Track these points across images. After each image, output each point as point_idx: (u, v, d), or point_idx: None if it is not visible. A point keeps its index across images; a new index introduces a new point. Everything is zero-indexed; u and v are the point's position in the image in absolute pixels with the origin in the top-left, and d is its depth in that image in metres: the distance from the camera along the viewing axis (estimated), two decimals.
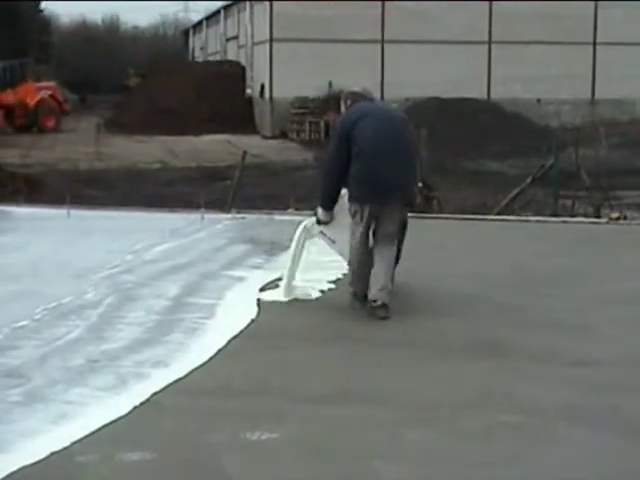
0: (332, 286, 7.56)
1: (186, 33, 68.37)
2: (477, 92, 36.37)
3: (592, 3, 38.50)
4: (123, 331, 6.25)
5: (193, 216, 11.76)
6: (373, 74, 35.27)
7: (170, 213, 12.44)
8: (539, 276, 8.27)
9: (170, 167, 27.14)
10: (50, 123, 38.65)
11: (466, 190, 18.98)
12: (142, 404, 4.82)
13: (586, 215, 13.72)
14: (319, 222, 7.12)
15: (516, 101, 35.95)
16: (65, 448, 4.24)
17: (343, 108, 7.13)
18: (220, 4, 51.38)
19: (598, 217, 13.06)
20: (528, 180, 15.06)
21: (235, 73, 42.56)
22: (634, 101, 38.28)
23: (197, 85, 40.46)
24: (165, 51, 66.12)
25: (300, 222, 7.43)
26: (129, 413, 4.69)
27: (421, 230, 9.41)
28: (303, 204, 12.49)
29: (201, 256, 9.09)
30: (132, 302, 7.07)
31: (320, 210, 7.07)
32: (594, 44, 38.85)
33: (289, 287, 7.19)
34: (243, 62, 42.98)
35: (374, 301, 6.64)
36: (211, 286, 7.67)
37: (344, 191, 6.89)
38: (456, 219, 12.10)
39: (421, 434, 4.49)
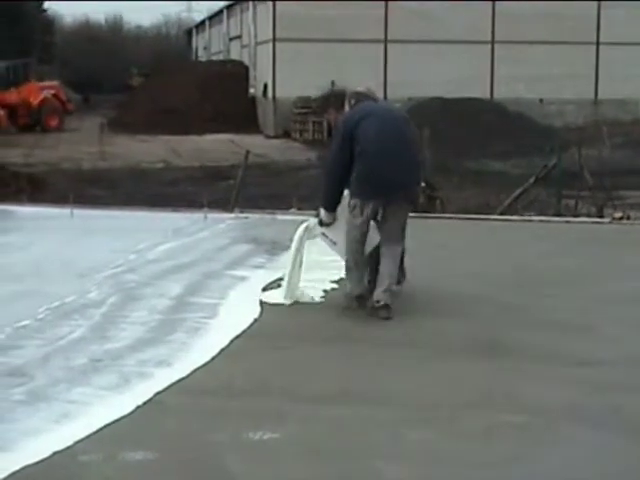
0: (335, 286, 7.54)
1: (189, 33, 68.42)
2: (480, 92, 36.32)
3: (595, 3, 38.42)
4: (126, 330, 6.26)
5: (196, 216, 11.77)
6: (376, 74, 35.23)
7: (173, 213, 12.44)
8: (542, 276, 8.27)
9: (173, 167, 27.11)
10: (53, 123, 38.66)
11: (469, 190, 18.98)
12: (145, 403, 4.83)
13: (589, 215, 13.72)
14: (321, 223, 7.07)
15: (519, 101, 35.90)
16: (68, 447, 4.24)
17: (347, 108, 7.11)
18: (223, 4, 51.38)
19: (601, 217, 13.06)
20: (531, 180, 15.07)
21: (238, 73, 42.52)
22: (637, 101, 38.20)
23: (200, 85, 40.43)
24: (168, 51, 66.02)
25: (302, 222, 7.40)
26: (132, 412, 4.70)
27: (424, 230, 9.42)
28: (306, 204, 12.47)
29: (204, 256, 9.10)
30: (135, 301, 7.08)
31: (323, 211, 7.03)
32: (597, 44, 38.77)
33: (291, 290, 7.14)
34: (246, 62, 42.94)
35: (377, 301, 6.64)
36: (214, 286, 7.67)
37: (346, 192, 6.86)
38: (459, 219, 12.10)
39: (421, 434, 4.49)
